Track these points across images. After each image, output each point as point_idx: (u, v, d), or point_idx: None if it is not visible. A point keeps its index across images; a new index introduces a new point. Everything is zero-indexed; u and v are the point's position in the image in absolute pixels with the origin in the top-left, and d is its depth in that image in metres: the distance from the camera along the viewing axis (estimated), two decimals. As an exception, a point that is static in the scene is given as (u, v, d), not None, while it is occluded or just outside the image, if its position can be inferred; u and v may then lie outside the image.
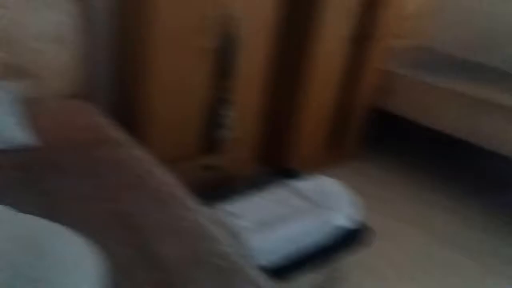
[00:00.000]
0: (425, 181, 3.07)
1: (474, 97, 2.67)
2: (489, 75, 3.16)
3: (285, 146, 2.72)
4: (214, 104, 2.24)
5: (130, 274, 1.00)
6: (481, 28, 3.48)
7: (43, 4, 1.78)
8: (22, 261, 0.81)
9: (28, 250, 0.84)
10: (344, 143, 3.02)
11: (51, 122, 1.69)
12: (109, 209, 1.23)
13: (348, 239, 1.81)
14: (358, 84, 2.85)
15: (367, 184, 2.81)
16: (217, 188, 2.20)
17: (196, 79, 2.09)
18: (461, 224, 2.67)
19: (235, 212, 1.64)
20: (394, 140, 3.49)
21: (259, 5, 2.12)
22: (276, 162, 2.73)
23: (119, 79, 2.22)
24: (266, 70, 2.33)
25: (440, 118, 2.80)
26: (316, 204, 1.79)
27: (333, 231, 1.75)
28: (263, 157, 2.69)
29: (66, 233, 0.93)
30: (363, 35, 2.69)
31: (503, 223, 2.76)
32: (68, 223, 0.96)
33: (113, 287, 0.92)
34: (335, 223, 1.76)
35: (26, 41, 1.76)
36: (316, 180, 1.96)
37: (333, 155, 2.96)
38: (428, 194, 2.93)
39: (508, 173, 3.22)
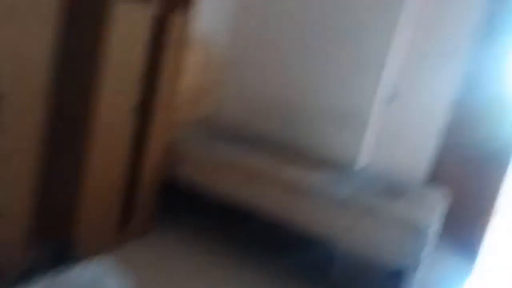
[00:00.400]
0: (216, 254, 2.93)
1: (255, 169, 2.78)
2: (271, 147, 3.33)
3: (65, 226, 2.38)
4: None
5: None
6: (265, 100, 3.73)
7: None
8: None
9: None
10: (134, 219, 2.79)
11: None
12: None
13: None
14: (145, 158, 2.67)
15: (158, 261, 2.69)
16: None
17: None
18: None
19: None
20: (188, 214, 3.27)
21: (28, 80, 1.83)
22: (54, 244, 2.37)
23: None
24: (36, 147, 1.96)
25: (225, 190, 2.83)
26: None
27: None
28: (38, 239, 2.27)
29: None
30: (147, 107, 2.56)
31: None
32: None
33: None
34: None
35: None
36: (88, 268, 1.70)
37: (122, 232, 2.73)
38: (219, 269, 2.79)
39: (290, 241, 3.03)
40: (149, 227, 2.92)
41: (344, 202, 2.58)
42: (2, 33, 1.66)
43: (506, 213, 3.74)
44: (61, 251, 2.25)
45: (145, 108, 2.56)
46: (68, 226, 2.34)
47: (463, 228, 3.86)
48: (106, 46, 2.10)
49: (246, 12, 3.85)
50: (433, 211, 2.67)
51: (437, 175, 4.27)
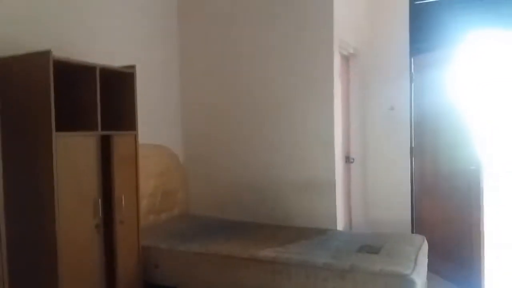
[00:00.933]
0: None
1: (231, 255, 2.83)
2: (246, 231, 3.40)
3: None
4: None
5: None
6: (231, 188, 3.96)
7: None
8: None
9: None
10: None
11: None
12: None
13: None
14: (118, 268, 2.72)
15: None
16: None
17: None
18: None
19: None
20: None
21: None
22: None
23: None
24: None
25: (203, 281, 2.90)
26: None
27: None
28: None
29: None
30: (110, 221, 2.67)
31: None
32: None
33: None
34: None
35: None
36: None
37: None
38: None
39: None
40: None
41: (324, 267, 2.57)
42: None
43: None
44: None
45: (108, 223, 2.62)
46: None
47: (460, 265, 3.79)
48: (56, 175, 2.21)
49: (192, 115, 4.14)
50: (409, 258, 2.66)
51: (419, 218, 4.30)
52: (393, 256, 2.69)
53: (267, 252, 2.81)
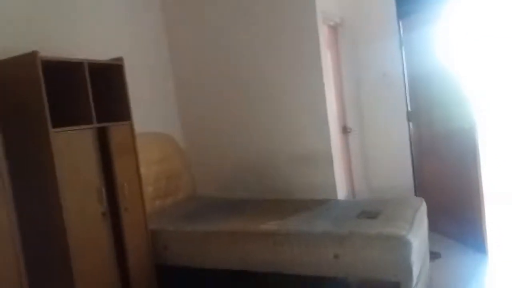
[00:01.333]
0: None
1: (236, 231, 2.95)
2: (250, 207, 3.52)
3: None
4: None
5: None
6: (233, 166, 4.07)
7: None
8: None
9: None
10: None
11: None
12: None
13: None
14: (128, 252, 2.85)
15: None
16: None
17: None
18: None
19: None
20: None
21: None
22: None
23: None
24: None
25: (213, 257, 3.00)
26: None
27: None
28: None
29: None
30: (116, 208, 2.78)
31: None
32: None
33: None
34: None
35: None
36: None
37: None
38: None
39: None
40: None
41: (323, 234, 2.67)
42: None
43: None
44: None
45: (114, 211, 2.75)
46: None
47: (463, 223, 3.88)
48: (58, 171, 2.32)
49: (187, 101, 4.22)
50: (406, 220, 2.74)
51: (420, 181, 4.38)
52: (390, 220, 2.77)
53: (269, 226, 2.91)
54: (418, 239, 2.68)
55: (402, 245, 2.48)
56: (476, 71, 3.63)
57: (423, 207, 3.18)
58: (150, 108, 3.75)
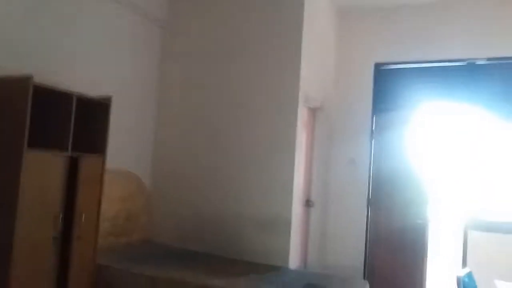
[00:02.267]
0: None
1: (180, 281, 3.00)
2: (202, 260, 3.64)
3: None
4: None
5: None
6: (193, 218, 4.16)
7: None
8: None
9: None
10: None
11: None
12: None
13: None
14: (71, 281, 2.88)
15: None
16: None
17: None
18: None
19: None
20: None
21: None
22: None
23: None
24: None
25: None
26: None
27: None
28: None
29: None
30: (68, 237, 2.84)
31: None
32: None
33: None
34: None
35: None
36: None
37: None
38: None
39: None
40: None
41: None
42: None
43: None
44: None
45: (66, 238, 2.81)
46: None
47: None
48: (21, 187, 2.44)
49: (163, 145, 4.43)
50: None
51: (371, 265, 4.51)
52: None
53: (218, 282, 2.98)
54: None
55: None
56: (435, 173, 3.96)
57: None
58: (125, 145, 3.92)
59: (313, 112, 4.64)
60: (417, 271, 3.93)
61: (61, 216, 2.74)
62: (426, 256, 3.97)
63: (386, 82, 4.74)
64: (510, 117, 4.19)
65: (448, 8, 4.46)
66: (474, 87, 4.32)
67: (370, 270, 4.54)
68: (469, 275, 3.00)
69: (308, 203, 4.58)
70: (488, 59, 4.30)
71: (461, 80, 4.40)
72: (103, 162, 3.09)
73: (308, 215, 4.63)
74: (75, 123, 2.78)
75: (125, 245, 3.87)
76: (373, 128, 4.70)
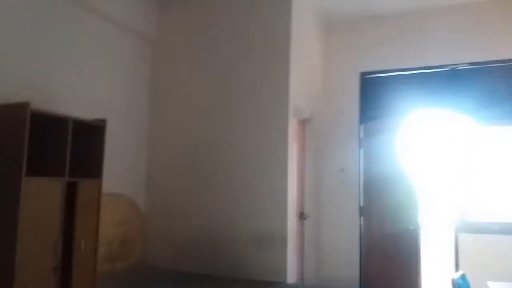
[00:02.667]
0: None
1: None
2: (201, 281, 3.61)
3: None
4: None
5: None
6: (189, 239, 4.11)
7: None
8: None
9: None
10: None
11: None
12: None
13: None
14: None
15: None
16: None
17: None
18: None
19: None
20: None
21: None
22: None
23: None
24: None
25: None
26: None
27: None
28: None
29: None
30: (67, 265, 2.77)
31: None
32: None
33: None
34: None
35: None
36: None
37: None
38: None
39: None
40: None
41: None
42: None
43: None
44: None
45: (66, 266, 2.71)
46: None
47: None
48: (21, 216, 2.35)
49: (157, 166, 4.37)
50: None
51: (366, 275, 4.55)
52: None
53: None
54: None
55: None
56: (424, 178, 4.06)
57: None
58: (119, 168, 3.84)
59: (303, 123, 4.68)
60: (412, 276, 3.99)
61: (60, 244, 2.65)
62: (420, 261, 4.04)
63: (372, 91, 4.84)
64: (491, 120, 4.35)
65: (429, 17, 4.61)
66: (457, 92, 4.46)
67: (365, 279, 4.58)
68: (463, 277, 3.08)
69: (302, 216, 4.60)
70: (469, 64, 4.46)
71: (444, 86, 4.54)
72: (100, 187, 3.01)
73: (303, 228, 4.64)
74: (71, 147, 2.70)
75: (122, 270, 3.77)
76: (362, 136, 4.78)
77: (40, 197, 2.52)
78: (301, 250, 4.61)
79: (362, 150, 4.76)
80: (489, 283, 3.25)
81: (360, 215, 4.69)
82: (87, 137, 2.98)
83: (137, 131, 4.27)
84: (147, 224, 4.27)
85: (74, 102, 3.30)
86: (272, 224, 3.85)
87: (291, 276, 3.92)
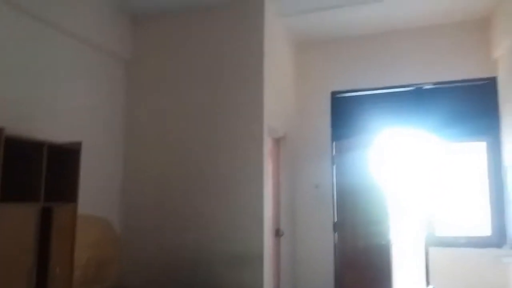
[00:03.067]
0: None
1: None
2: None
3: None
4: None
5: None
6: (163, 261, 4.10)
7: None
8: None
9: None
10: None
11: None
12: None
13: None
14: None
15: None
16: None
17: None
18: None
19: None
20: None
21: None
22: None
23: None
24: None
25: None
26: None
27: None
28: None
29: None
30: None
31: None
32: None
33: None
34: None
35: None
36: None
37: None
38: None
39: None
40: None
41: None
42: None
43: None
44: None
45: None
46: None
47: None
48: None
49: (132, 187, 4.35)
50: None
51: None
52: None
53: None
54: None
55: None
56: (394, 193, 4.21)
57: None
58: (93, 190, 3.79)
59: (278, 141, 4.77)
60: (386, 290, 4.10)
61: (34, 272, 2.60)
62: (392, 275, 4.16)
63: (343, 110, 4.99)
64: (455, 138, 4.56)
65: (396, 38, 4.82)
66: (422, 110, 4.65)
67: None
68: (433, 291, 3.20)
69: (278, 232, 4.65)
70: (434, 84, 4.68)
71: (410, 104, 4.73)
72: (75, 211, 2.98)
73: (279, 245, 4.69)
74: (46, 171, 2.68)
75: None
76: (334, 154, 4.90)
77: (15, 223, 2.49)
78: (277, 267, 4.65)
79: (334, 167, 4.88)
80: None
81: (334, 230, 4.79)
82: (63, 161, 2.96)
83: (112, 151, 4.25)
84: (122, 245, 4.22)
85: (49, 124, 3.27)
86: (249, 243, 3.88)
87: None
